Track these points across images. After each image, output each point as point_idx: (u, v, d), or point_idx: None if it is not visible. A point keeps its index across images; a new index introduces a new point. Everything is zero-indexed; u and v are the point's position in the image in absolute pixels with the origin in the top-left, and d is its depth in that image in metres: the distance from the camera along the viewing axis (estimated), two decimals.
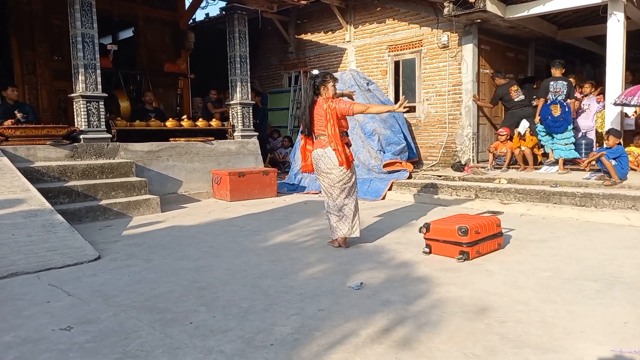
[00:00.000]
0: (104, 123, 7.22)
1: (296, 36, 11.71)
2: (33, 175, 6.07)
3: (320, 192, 8.11)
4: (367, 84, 9.07)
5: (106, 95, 7.31)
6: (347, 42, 10.67)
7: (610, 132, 6.61)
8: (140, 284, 3.56)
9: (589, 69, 12.27)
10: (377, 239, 4.87)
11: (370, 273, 3.74)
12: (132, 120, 8.11)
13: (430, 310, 2.96)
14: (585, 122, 8.23)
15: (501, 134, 8.14)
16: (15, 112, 7.05)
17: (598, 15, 7.88)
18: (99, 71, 7.07)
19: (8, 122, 6.78)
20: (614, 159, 6.26)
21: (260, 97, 11.10)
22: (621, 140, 6.85)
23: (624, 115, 8.00)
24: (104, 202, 6.26)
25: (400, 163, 8.36)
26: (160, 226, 5.73)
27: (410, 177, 8.13)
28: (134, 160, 7.20)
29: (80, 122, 7.04)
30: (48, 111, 8.74)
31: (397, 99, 9.90)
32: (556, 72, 7.55)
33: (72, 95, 7.13)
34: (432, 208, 6.70)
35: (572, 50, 11.74)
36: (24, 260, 4.00)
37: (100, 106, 7.14)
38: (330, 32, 11.03)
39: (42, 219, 4.79)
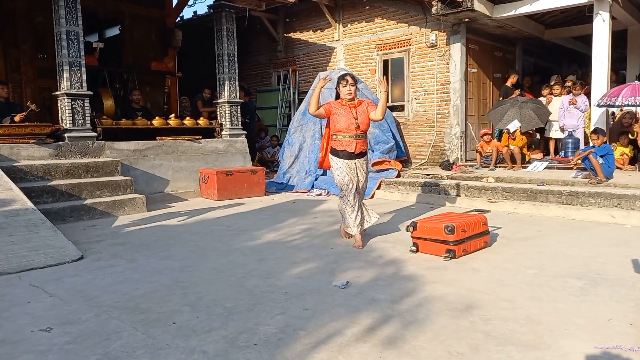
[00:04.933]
0: (89, 121, 7.13)
1: (285, 35, 11.66)
2: (16, 174, 5.97)
3: (310, 191, 8.19)
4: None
5: (91, 93, 7.22)
6: (336, 40, 10.65)
7: (596, 131, 6.66)
8: (123, 284, 3.50)
9: (575, 68, 12.37)
10: (364, 238, 4.85)
11: (356, 272, 3.72)
12: (119, 118, 8.02)
13: (416, 308, 2.95)
14: (571, 121, 8.29)
15: (487, 133, 8.20)
16: (28, 103, 7.02)
17: (584, 15, 7.96)
18: (84, 69, 6.98)
19: (19, 117, 6.74)
20: (602, 156, 6.31)
21: (248, 95, 11.04)
22: (607, 139, 6.91)
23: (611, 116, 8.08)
24: (88, 201, 6.17)
25: (389, 162, 8.36)
26: (146, 225, 5.67)
27: (398, 175, 8.14)
28: (119, 159, 7.12)
29: (64, 120, 6.95)
30: None
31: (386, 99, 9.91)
32: None
33: (57, 93, 7.03)
34: (420, 206, 6.71)
35: (559, 49, 11.84)
36: (5, 260, 3.93)
37: (86, 104, 7.05)
38: (319, 31, 11.00)
39: (24, 219, 4.71)
